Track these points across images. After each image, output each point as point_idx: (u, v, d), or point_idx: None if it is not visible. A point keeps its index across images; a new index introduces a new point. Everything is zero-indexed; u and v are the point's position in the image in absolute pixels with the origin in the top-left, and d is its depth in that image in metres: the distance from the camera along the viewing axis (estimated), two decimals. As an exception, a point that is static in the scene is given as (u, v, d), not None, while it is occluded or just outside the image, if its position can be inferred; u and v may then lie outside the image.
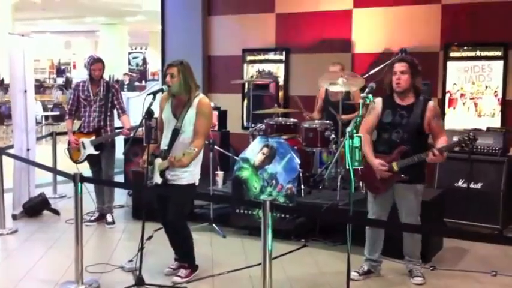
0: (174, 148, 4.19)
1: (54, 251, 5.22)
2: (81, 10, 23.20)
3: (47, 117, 16.78)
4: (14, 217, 6.13)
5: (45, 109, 16.93)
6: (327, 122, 5.84)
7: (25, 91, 6.25)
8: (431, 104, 4.17)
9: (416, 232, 4.30)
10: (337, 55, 7.23)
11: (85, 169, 5.68)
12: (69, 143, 6.06)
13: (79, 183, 4.12)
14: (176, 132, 4.20)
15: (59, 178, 7.26)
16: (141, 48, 25.55)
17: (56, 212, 6.36)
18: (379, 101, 4.27)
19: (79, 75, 21.62)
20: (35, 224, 6.09)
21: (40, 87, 20.87)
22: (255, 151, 5.62)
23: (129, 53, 24.79)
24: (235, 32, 8.19)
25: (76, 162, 6.02)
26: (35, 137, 6.55)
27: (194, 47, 8.32)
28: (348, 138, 3.62)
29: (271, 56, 7.96)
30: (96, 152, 5.93)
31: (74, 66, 33.91)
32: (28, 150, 6.31)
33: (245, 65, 8.12)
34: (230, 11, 8.25)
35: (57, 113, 16.53)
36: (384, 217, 4.33)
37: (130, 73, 20.09)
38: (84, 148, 5.94)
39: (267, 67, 7.98)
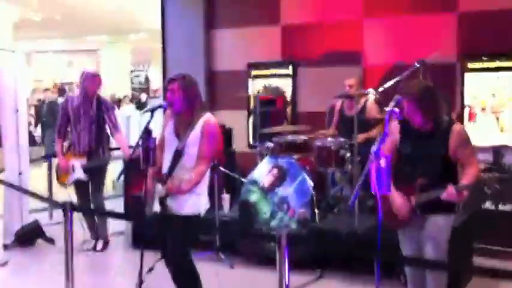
0: (176, 172, 3.76)
1: (47, 286, 4.78)
2: (82, 28, 22.95)
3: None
4: (5, 247, 5.71)
5: (45, 129, 16.53)
6: (342, 139, 5.40)
7: (17, 110, 5.85)
8: (456, 128, 3.45)
9: (443, 269, 3.72)
10: (347, 68, 6.83)
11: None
12: (58, 165, 5.70)
13: (69, 214, 3.68)
14: (178, 154, 3.75)
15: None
16: (143, 66, 25.27)
17: (51, 241, 5.91)
18: (395, 126, 3.59)
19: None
20: (28, 254, 5.66)
21: (40, 107, 20.50)
22: (263, 172, 5.20)
23: (131, 71, 24.52)
24: (239, 45, 7.79)
25: (64, 185, 5.67)
26: (28, 159, 6.13)
27: (196, 62, 7.92)
28: (374, 159, 3.17)
29: (277, 70, 7.55)
30: (84, 177, 5.54)
31: (77, 86, 33.75)
32: (20, 174, 5.90)
33: (250, 80, 7.71)
34: (233, 24, 7.86)
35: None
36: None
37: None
38: (74, 171, 5.54)
39: (273, 82, 7.57)
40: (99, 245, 5.70)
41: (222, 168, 5.38)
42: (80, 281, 4.21)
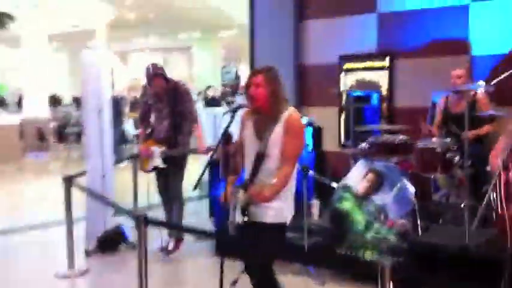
0: (258, 178, 3.31)
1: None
2: (175, 26, 23.22)
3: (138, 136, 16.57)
4: (87, 253, 5.51)
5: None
6: (449, 140, 4.73)
7: (100, 110, 5.65)
8: None
9: None
10: (452, 58, 6.10)
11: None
12: (139, 152, 5.62)
13: (143, 227, 3.33)
14: (260, 158, 3.30)
15: (151, 201, 6.61)
16: (234, 63, 25.22)
17: (134, 246, 5.66)
18: None
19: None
20: (109, 261, 5.43)
21: (135, 104, 20.96)
22: (357, 177, 4.65)
23: (222, 68, 24.52)
24: (331, 37, 7.23)
25: (145, 171, 5.56)
26: (111, 161, 5.92)
27: (285, 55, 7.45)
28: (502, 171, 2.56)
29: (372, 63, 6.92)
30: (163, 165, 5.35)
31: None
32: (103, 176, 5.70)
33: (342, 74, 7.14)
34: (325, 14, 7.31)
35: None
36: None
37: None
38: (153, 157, 5.35)
39: (367, 76, 6.95)
40: (171, 245, 5.40)
41: (311, 172, 4.86)
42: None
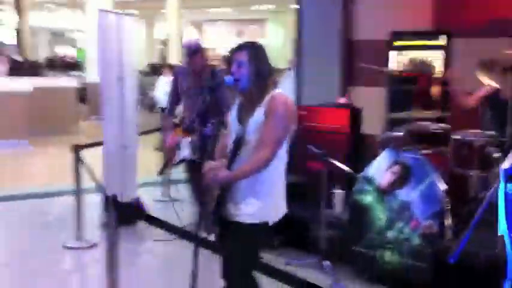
0: (236, 163, 2.89)
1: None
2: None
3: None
4: (103, 225, 5.31)
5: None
6: (489, 133, 4.11)
7: (121, 78, 5.37)
8: None
9: None
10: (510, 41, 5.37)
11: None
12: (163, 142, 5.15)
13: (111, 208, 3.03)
14: (239, 143, 2.89)
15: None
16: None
17: (151, 222, 5.43)
18: None
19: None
20: (121, 237, 5.21)
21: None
22: (381, 168, 4.14)
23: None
24: (382, 10, 6.61)
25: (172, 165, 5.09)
26: (136, 132, 5.64)
27: (332, 29, 6.92)
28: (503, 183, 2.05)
29: (426, 41, 6.26)
30: (191, 156, 4.88)
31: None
32: (125, 148, 5.43)
33: (393, 52, 6.51)
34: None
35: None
36: None
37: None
38: (179, 149, 4.93)
39: (420, 55, 6.31)
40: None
41: (330, 159, 4.38)
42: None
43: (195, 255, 2.85)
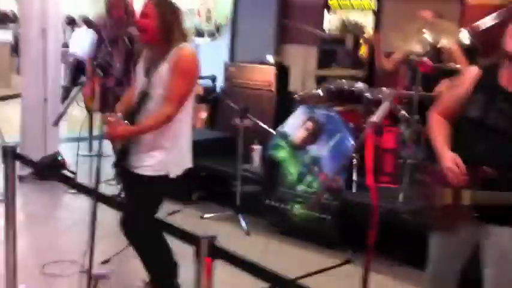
0: (139, 119, 2.87)
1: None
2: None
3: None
4: (21, 179, 5.22)
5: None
6: (398, 92, 4.18)
7: (43, 29, 5.23)
8: None
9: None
10: (443, 4, 5.44)
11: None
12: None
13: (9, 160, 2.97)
14: (143, 97, 2.86)
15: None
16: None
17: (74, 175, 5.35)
18: (472, 72, 2.38)
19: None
20: (41, 189, 5.14)
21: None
22: (296, 125, 4.19)
23: None
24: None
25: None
26: (59, 87, 5.53)
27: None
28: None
29: (359, 1, 6.30)
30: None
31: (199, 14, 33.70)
32: (45, 100, 5.33)
33: (326, 12, 6.54)
34: None
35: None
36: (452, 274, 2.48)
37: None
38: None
39: (352, 16, 6.35)
40: None
41: (249, 116, 4.42)
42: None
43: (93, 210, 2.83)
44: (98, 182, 2.84)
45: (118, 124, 2.79)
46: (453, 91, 2.46)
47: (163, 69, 2.81)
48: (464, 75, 2.42)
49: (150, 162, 2.86)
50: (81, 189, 2.85)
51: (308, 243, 4.10)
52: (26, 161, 3.35)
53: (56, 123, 2.88)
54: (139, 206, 2.94)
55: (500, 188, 2.16)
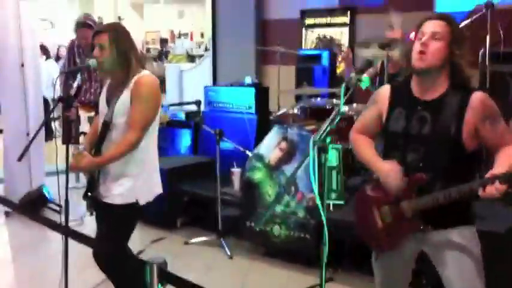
0: (103, 149, 2.92)
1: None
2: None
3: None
4: (7, 214, 5.26)
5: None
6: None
7: (22, 65, 5.31)
8: (476, 96, 2.26)
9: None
10: (415, 15, 5.52)
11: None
12: None
13: None
14: (106, 127, 2.90)
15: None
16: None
17: (58, 208, 5.37)
18: (385, 90, 2.49)
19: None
20: (27, 225, 5.14)
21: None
22: (271, 146, 4.23)
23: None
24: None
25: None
26: (41, 120, 5.57)
27: (246, 10, 6.98)
28: (313, 151, 2.17)
29: (334, 18, 6.39)
30: None
31: (191, 37, 33.75)
32: (27, 134, 5.38)
33: (304, 30, 6.63)
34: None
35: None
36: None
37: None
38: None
39: (329, 32, 6.44)
40: None
41: (225, 139, 4.46)
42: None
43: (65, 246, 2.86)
44: (67, 217, 2.89)
45: (82, 157, 2.82)
46: (368, 111, 2.56)
47: (125, 96, 2.85)
48: (377, 95, 2.53)
49: (119, 191, 2.89)
50: (50, 226, 2.88)
51: (291, 263, 4.12)
52: (5, 202, 3.39)
53: (20, 158, 2.90)
54: (110, 235, 2.97)
55: (434, 191, 2.26)
